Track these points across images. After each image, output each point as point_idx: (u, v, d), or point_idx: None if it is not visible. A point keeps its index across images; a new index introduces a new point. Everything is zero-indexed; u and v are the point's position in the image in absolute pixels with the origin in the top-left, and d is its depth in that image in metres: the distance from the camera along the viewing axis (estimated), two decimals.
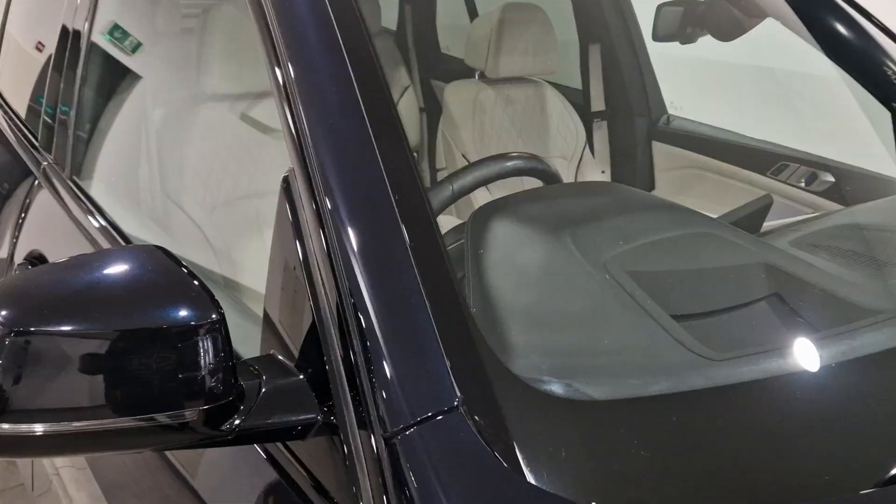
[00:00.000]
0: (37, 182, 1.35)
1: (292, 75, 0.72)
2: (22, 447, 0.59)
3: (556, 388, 0.63)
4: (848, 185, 1.72)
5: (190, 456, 0.79)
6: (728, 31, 1.40)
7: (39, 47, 1.74)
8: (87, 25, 1.34)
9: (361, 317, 0.61)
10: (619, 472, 0.57)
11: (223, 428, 0.61)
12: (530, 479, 0.55)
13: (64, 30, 1.42)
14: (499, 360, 0.63)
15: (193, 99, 1.40)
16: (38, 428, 0.57)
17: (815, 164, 1.77)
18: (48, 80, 1.45)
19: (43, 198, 1.34)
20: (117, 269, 0.61)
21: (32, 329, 0.56)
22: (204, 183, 1.39)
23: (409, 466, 0.56)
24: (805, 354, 0.72)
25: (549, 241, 0.82)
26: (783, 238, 1.05)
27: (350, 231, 0.65)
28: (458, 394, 0.58)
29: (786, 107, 1.92)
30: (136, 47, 1.46)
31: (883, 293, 0.87)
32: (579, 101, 2.16)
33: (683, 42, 1.52)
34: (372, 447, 0.58)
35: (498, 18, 1.89)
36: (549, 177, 1.08)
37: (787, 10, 1.44)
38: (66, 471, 1.14)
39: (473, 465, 0.56)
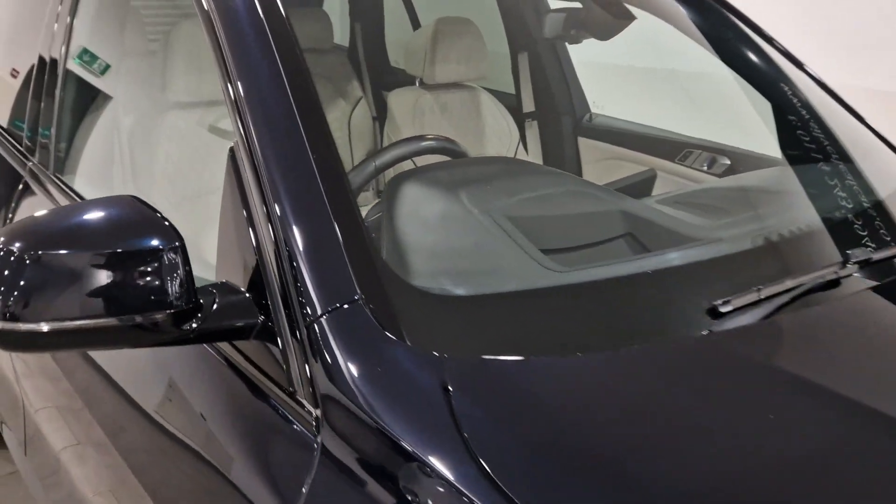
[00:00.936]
0: (24, 181, 1.55)
1: (239, 84, 0.94)
2: (34, 342, 0.79)
3: (430, 286, 0.85)
4: (741, 167, 1.97)
5: (168, 367, 1.00)
6: (604, 32, 1.66)
7: (14, 73, 1.95)
8: (63, 51, 1.55)
9: (289, 246, 0.83)
10: (469, 334, 0.80)
11: (185, 328, 0.82)
12: (407, 342, 0.77)
13: (41, 58, 1.62)
14: (391, 270, 0.85)
15: (159, 108, 1.61)
16: (45, 326, 0.78)
17: (714, 150, 2.01)
18: (29, 100, 1.65)
19: (30, 195, 1.54)
20: (105, 209, 0.82)
21: (41, 253, 0.77)
22: (170, 179, 1.60)
23: (322, 342, 0.78)
24: (632, 264, 0.96)
25: (446, 194, 1.05)
26: (653, 199, 1.29)
27: (280, 188, 0.87)
28: (358, 291, 0.80)
29: (687, 101, 2.19)
30: (105, 69, 1.67)
31: (711, 229, 1.10)
32: (512, 103, 2.39)
33: (570, 42, 1.76)
34: (297, 334, 0.80)
35: (432, 31, 2.12)
36: (457, 154, 1.31)
37: (686, 21, 1.70)
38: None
39: (367, 336, 0.78)
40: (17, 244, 0.78)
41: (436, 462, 0.68)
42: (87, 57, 1.66)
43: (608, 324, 0.88)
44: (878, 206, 1.20)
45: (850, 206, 1.18)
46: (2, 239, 0.78)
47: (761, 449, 0.73)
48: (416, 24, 2.88)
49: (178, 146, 1.60)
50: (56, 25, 1.59)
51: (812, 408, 0.81)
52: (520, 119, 2.37)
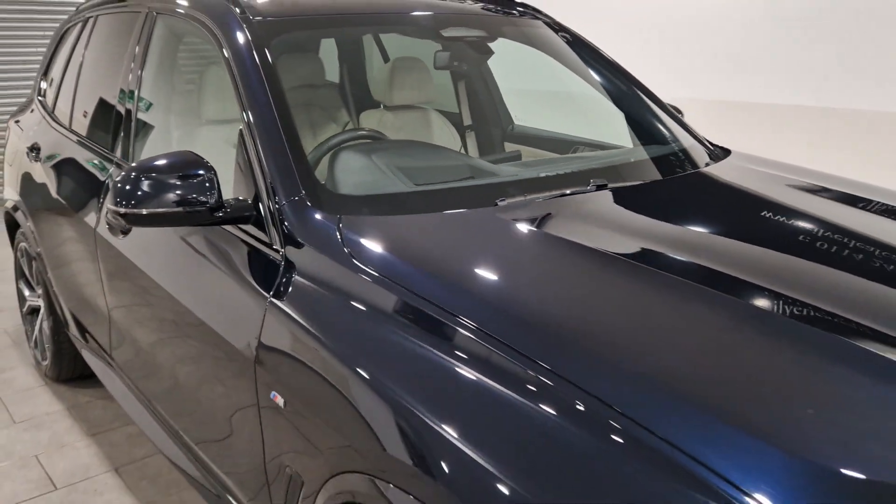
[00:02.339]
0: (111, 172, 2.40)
1: (248, 107, 1.77)
2: (141, 220, 1.60)
3: (339, 190, 1.67)
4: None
5: (204, 245, 1.81)
6: (473, 62, 2.50)
7: (70, 120, 2.83)
8: (137, 91, 2.41)
9: (269, 178, 1.65)
10: (354, 208, 1.61)
11: (216, 215, 1.63)
12: (325, 211, 1.58)
13: (122, 90, 2.49)
14: (320, 183, 1.67)
15: (196, 124, 2.45)
16: (144, 211, 1.59)
17: (594, 145, 2.80)
18: (112, 123, 2.52)
19: None
20: (179, 157, 1.64)
21: (148, 174, 1.59)
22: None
23: (284, 215, 1.59)
24: (460, 185, 1.77)
25: (358, 152, 1.88)
26: (505, 164, 2.10)
27: (265, 152, 1.69)
28: (303, 192, 1.61)
29: (573, 113, 3.00)
30: (149, 108, 2.51)
31: (512, 171, 1.91)
32: (456, 119, 3.20)
33: (457, 69, 2.61)
34: (272, 214, 1.61)
35: (391, 67, 2.94)
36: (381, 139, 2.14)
37: (569, 57, 2.56)
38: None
39: (305, 210, 1.59)
40: (136, 171, 1.60)
41: (331, 259, 1.49)
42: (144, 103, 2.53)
43: (432, 200, 1.69)
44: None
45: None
46: (133, 166, 1.61)
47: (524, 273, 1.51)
48: (388, 62, 3.72)
49: (209, 147, 2.45)
50: (130, 75, 2.46)
51: (555, 259, 1.60)
52: (461, 131, 3.17)
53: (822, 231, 1.67)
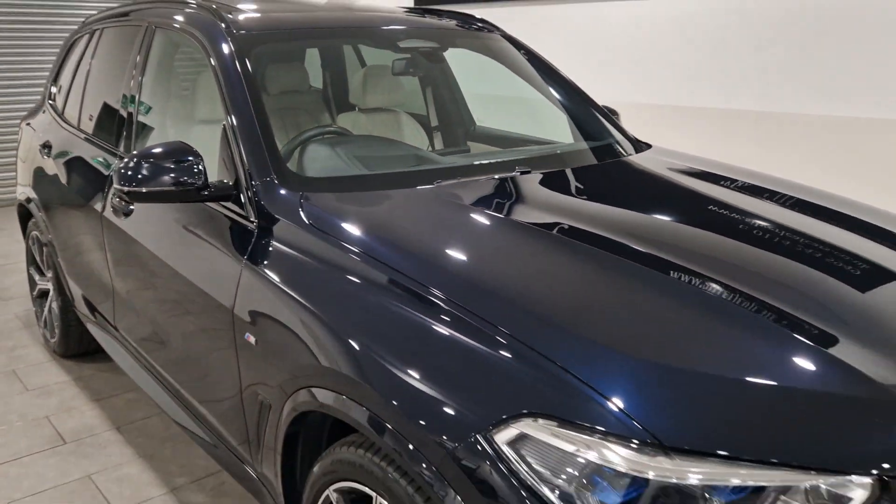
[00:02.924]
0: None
1: (236, 113, 2.13)
2: (141, 196, 1.97)
3: (303, 173, 2.04)
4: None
5: (190, 221, 2.18)
6: (426, 70, 2.88)
7: (79, 120, 3.20)
8: (138, 95, 2.78)
9: (246, 164, 2.02)
10: (314, 187, 1.98)
11: (203, 193, 2.00)
12: (289, 189, 1.95)
13: (124, 96, 2.86)
14: (287, 168, 2.04)
15: (190, 122, 2.81)
16: (144, 189, 1.96)
17: (541, 142, 3.17)
18: (116, 122, 2.89)
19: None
20: (172, 146, 2.01)
21: (147, 159, 1.96)
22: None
23: (257, 193, 1.96)
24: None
25: (325, 146, 2.25)
26: (454, 156, 2.47)
27: (243, 143, 2.06)
28: (273, 174, 1.98)
29: (527, 114, 3.36)
30: (149, 109, 2.88)
31: (455, 162, 2.28)
32: (424, 121, 3.57)
33: (413, 75, 2.99)
34: (248, 193, 1.98)
35: (363, 74, 3.31)
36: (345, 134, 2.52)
37: (522, 66, 2.93)
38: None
39: (274, 189, 1.96)
40: (138, 157, 1.97)
41: (294, 226, 1.85)
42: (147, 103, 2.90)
43: (379, 181, 2.06)
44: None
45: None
46: (135, 153, 1.98)
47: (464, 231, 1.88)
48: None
49: (200, 143, 2.81)
50: (133, 81, 2.83)
51: (478, 221, 1.96)
52: (429, 131, 3.54)
53: (693, 203, 2.06)
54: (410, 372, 1.41)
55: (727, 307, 1.50)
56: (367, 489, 1.52)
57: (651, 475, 1.17)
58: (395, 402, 1.40)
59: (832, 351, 1.37)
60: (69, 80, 3.49)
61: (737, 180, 2.32)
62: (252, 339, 1.84)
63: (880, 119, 4.07)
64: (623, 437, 1.19)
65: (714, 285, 1.56)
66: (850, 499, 1.18)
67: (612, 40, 5.32)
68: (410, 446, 1.36)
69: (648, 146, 2.77)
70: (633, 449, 1.18)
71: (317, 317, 1.63)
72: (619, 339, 1.39)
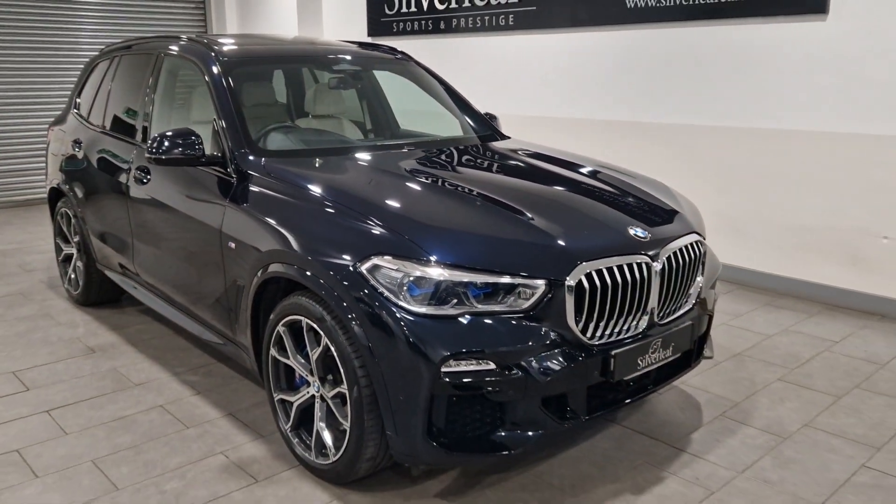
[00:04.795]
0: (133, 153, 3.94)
1: (221, 111, 3.33)
2: (161, 161, 3.15)
3: (268, 149, 3.24)
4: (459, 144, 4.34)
5: (190, 183, 3.36)
6: (354, 85, 4.10)
7: (103, 123, 4.37)
8: (150, 107, 3.95)
9: (229, 142, 3.21)
10: (275, 157, 3.19)
11: (202, 159, 3.18)
12: (254, 155, 3.14)
13: (142, 110, 4.03)
14: (257, 146, 3.23)
15: (188, 123, 3.98)
16: (164, 157, 3.14)
17: (446, 140, 4.38)
18: (138, 122, 4.06)
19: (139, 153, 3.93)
20: (181, 130, 3.18)
21: (167, 136, 3.13)
22: None
23: (236, 162, 3.15)
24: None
25: (280, 133, 3.45)
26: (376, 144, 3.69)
27: (225, 131, 3.26)
28: (247, 149, 3.17)
29: (434, 122, 4.58)
30: (159, 113, 4.05)
31: (367, 143, 3.48)
32: (361, 125, 4.76)
33: (344, 89, 4.21)
34: (232, 163, 3.17)
35: (313, 90, 4.50)
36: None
37: (430, 85, 4.15)
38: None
39: (246, 156, 3.14)
40: (160, 136, 3.14)
41: (258, 175, 3.03)
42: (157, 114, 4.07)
43: (311, 152, 3.26)
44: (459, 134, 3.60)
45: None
46: (156, 135, 3.15)
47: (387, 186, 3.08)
48: None
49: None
50: (146, 94, 4.00)
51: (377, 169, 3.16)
52: (364, 132, 4.74)
53: (510, 163, 3.29)
54: (318, 241, 2.59)
55: (482, 204, 2.71)
56: (300, 317, 2.68)
57: (436, 277, 2.35)
58: (310, 258, 2.58)
59: (532, 221, 2.59)
60: (93, 94, 4.65)
61: (545, 154, 3.55)
62: (233, 245, 3.01)
63: (711, 126, 5.39)
64: (422, 261, 2.38)
65: (486, 196, 2.77)
66: (536, 289, 2.38)
67: (511, 65, 6.65)
68: (321, 280, 2.53)
69: (508, 137, 4.00)
70: (427, 266, 2.37)
71: (270, 224, 2.80)
72: (425, 218, 2.59)
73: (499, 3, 6.47)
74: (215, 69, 3.49)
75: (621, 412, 3.27)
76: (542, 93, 6.33)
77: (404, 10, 7.43)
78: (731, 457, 2.90)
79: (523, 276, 2.39)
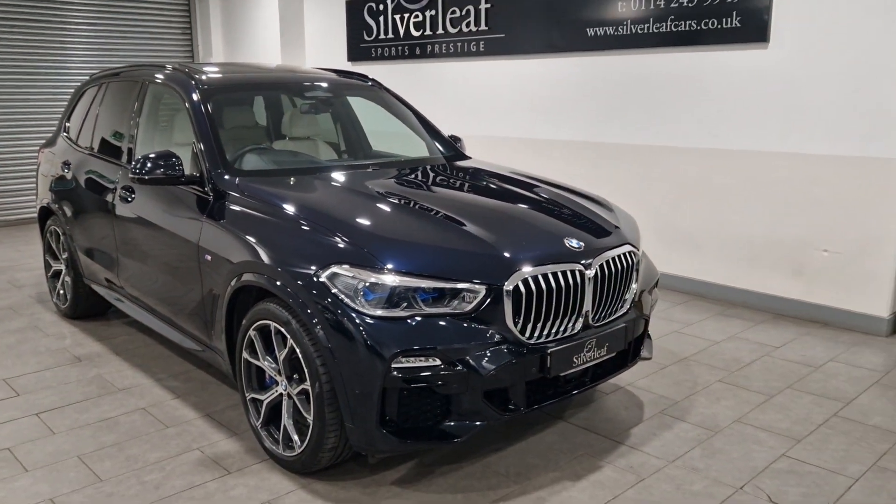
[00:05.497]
0: (119, 173, 4.22)
1: (200, 134, 3.62)
2: (144, 181, 3.43)
3: (243, 169, 3.53)
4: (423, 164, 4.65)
5: (171, 203, 3.65)
6: (325, 110, 4.41)
7: (91, 145, 4.66)
8: (135, 130, 4.24)
9: (207, 164, 3.50)
10: (249, 177, 3.48)
11: (181, 179, 3.46)
12: (228, 175, 3.43)
13: (127, 132, 4.32)
14: (232, 165, 3.52)
15: (170, 145, 4.26)
16: (147, 177, 3.42)
17: (407, 157, 4.68)
18: (124, 145, 4.34)
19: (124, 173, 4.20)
20: (163, 153, 3.47)
21: (149, 158, 3.42)
22: None
23: (212, 182, 3.43)
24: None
25: (254, 154, 3.74)
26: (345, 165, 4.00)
27: (203, 153, 3.54)
28: (223, 168, 3.46)
29: (400, 142, 4.88)
30: (144, 136, 4.34)
31: (338, 163, 3.77)
32: (335, 146, 5.06)
33: (316, 114, 4.51)
34: (209, 183, 3.45)
35: (290, 114, 4.80)
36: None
37: (399, 110, 4.47)
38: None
39: (222, 176, 3.43)
40: (143, 157, 3.42)
41: (233, 194, 3.32)
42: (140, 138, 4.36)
43: (282, 172, 3.55)
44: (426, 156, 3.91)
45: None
46: (140, 156, 3.43)
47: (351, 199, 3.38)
48: None
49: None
50: (132, 119, 4.29)
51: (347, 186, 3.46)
52: (339, 153, 5.03)
53: (465, 179, 3.59)
54: (285, 253, 2.87)
55: (432, 217, 3.01)
56: (269, 322, 2.95)
57: (389, 283, 2.64)
58: (278, 269, 2.85)
59: (477, 233, 2.88)
60: (82, 118, 4.93)
61: (499, 173, 3.86)
62: (209, 258, 3.28)
63: (665, 146, 5.73)
64: (377, 269, 2.66)
65: (438, 210, 3.06)
66: (477, 294, 2.67)
67: (482, 89, 6.99)
68: (288, 288, 2.81)
69: (469, 157, 4.31)
70: (381, 273, 2.65)
71: (242, 238, 3.08)
72: (381, 231, 2.89)
73: (470, 30, 6.82)
74: (195, 96, 3.79)
75: (568, 409, 3.55)
76: (509, 115, 6.67)
77: (382, 36, 7.78)
78: (665, 448, 3.18)
79: (467, 282, 2.68)
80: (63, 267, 5.01)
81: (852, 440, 3.26)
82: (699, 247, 5.53)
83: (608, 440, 3.26)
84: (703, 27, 5.16)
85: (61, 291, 5.08)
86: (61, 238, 4.95)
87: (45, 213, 5.21)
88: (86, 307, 4.94)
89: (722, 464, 3.05)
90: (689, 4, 5.21)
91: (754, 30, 4.93)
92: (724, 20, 5.05)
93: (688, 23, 5.24)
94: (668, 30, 5.36)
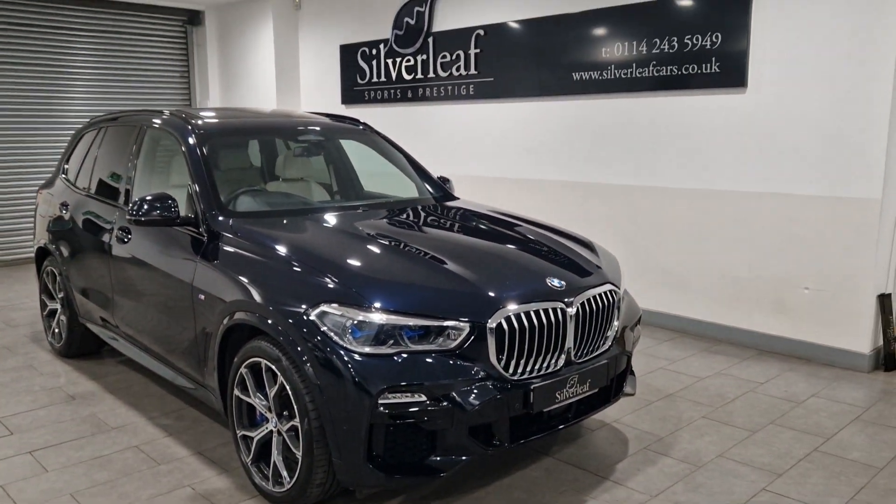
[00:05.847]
0: (117, 214, 4.32)
1: (195, 177, 3.75)
2: (141, 223, 3.53)
3: (237, 210, 3.64)
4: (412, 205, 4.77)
5: (166, 245, 3.75)
6: (316, 153, 4.55)
7: (89, 187, 4.78)
8: (133, 172, 4.36)
9: (203, 206, 3.61)
10: (242, 217, 3.59)
11: (176, 220, 3.57)
12: (224, 216, 3.54)
13: (125, 174, 4.45)
14: (226, 207, 3.63)
15: (167, 187, 4.38)
16: (144, 218, 3.53)
17: (398, 198, 4.80)
18: (122, 187, 4.46)
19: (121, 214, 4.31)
20: (159, 196, 3.58)
21: (147, 200, 3.53)
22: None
23: (206, 222, 3.54)
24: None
25: (248, 196, 3.85)
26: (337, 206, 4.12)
27: (198, 195, 3.66)
28: (217, 211, 3.57)
29: (391, 182, 5.01)
30: (141, 179, 4.46)
31: (330, 204, 3.89)
32: (328, 187, 5.19)
33: (308, 157, 4.65)
34: (204, 224, 3.56)
35: (284, 156, 4.93)
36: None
37: (386, 150, 4.61)
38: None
39: (217, 218, 3.54)
40: (140, 199, 3.54)
41: (226, 235, 3.42)
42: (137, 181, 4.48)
43: (275, 213, 3.66)
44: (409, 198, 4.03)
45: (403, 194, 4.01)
46: (140, 197, 3.54)
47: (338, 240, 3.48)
48: None
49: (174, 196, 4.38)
50: (129, 161, 4.42)
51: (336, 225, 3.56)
52: (331, 194, 5.15)
53: (454, 220, 3.70)
54: (277, 293, 2.96)
55: (418, 257, 3.11)
56: (260, 359, 3.03)
57: (377, 321, 2.73)
58: (270, 307, 2.94)
59: (462, 272, 2.98)
60: (80, 160, 5.06)
61: (485, 213, 3.98)
62: (202, 297, 3.37)
63: (650, 186, 5.87)
64: (364, 307, 2.75)
65: (422, 249, 3.18)
66: (462, 331, 2.76)
67: (472, 131, 7.17)
68: (279, 326, 2.89)
69: (458, 198, 4.44)
70: (369, 312, 2.74)
71: (236, 278, 3.18)
72: (369, 271, 2.99)
73: (460, 74, 7.02)
74: (191, 140, 3.91)
75: (554, 445, 3.61)
76: (498, 156, 6.83)
77: (375, 79, 7.98)
78: (648, 483, 3.24)
79: (451, 320, 2.77)
80: (59, 306, 5.09)
81: (831, 474, 3.33)
82: (685, 284, 5.63)
83: (593, 476, 3.32)
84: (685, 72, 5.35)
85: (56, 330, 5.14)
86: (57, 278, 5.04)
87: (41, 254, 5.30)
88: (80, 346, 5.00)
89: (704, 498, 3.11)
90: (671, 51, 5.40)
91: (733, 75, 5.11)
92: (703, 66, 5.23)
93: (669, 68, 5.43)
94: (651, 75, 5.55)
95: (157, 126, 4.32)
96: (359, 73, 8.17)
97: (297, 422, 2.84)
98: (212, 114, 4.50)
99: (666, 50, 5.43)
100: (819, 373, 4.74)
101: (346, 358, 2.69)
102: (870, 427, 3.87)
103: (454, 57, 7.05)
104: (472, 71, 6.91)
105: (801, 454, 3.54)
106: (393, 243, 3.31)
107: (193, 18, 9.77)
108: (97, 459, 3.51)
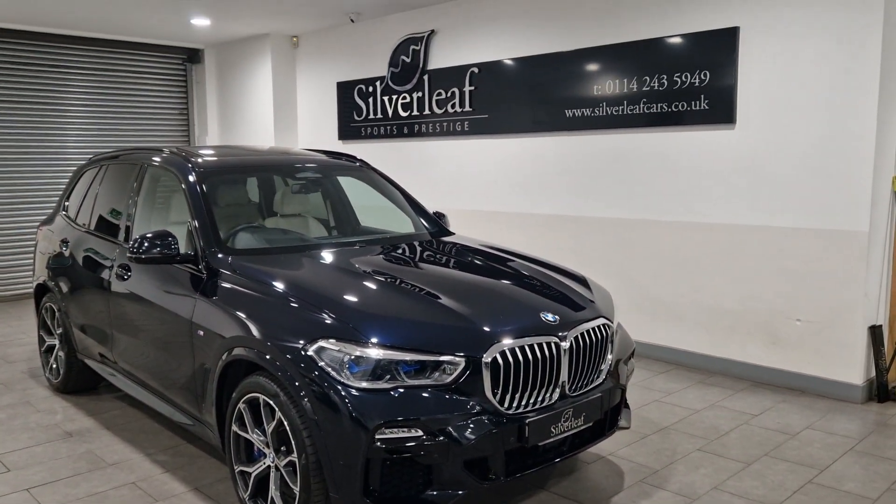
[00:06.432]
0: (117, 251, 4.38)
1: (195, 214, 3.81)
2: (141, 260, 3.59)
3: (236, 248, 3.70)
4: (408, 240, 4.84)
5: (165, 281, 3.80)
6: (314, 190, 4.62)
7: (90, 224, 4.84)
8: (133, 209, 4.43)
9: (202, 245, 3.67)
10: (240, 255, 3.64)
11: (176, 257, 3.63)
12: (223, 254, 3.59)
13: (126, 212, 4.51)
14: (226, 244, 3.69)
15: (167, 224, 4.45)
16: (144, 256, 3.58)
17: (394, 233, 4.87)
18: (122, 224, 4.52)
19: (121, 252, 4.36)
20: (159, 233, 3.64)
21: (148, 239, 3.59)
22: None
23: (205, 260, 3.60)
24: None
25: (247, 233, 3.92)
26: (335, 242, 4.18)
27: (198, 232, 3.72)
28: (216, 248, 3.63)
29: (387, 217, 5.09)
30: (142, 216, 4.53)
31: (328, 240, 3.95)
32: (325, 222, 5.26)
33: (306, 194, 4.72)
34: (203, 262, 3.62)
35: (281, 192, 5.01)
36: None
37: (380, 185, 4.69)
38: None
39: (216, 255, 3.60)
40: (141, 237, 3.59)
41: (225, 272, 3.47)
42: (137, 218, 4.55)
43: (273, 250, 3.71)
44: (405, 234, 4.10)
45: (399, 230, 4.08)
46: (140, 235, 3.60)
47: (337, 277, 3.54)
48: None
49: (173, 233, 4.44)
50: (130, 199, 4.49)
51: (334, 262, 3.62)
52: (328, 229, 5.22)
53: (450, 255, 3.76)
54: (275, 329, 3.01)
55: (414, 293, 3.17)
56: (258, 395, 3.06)
57: (374, 356, 2.77)
58: (268, 343, 2.99)
59: (457, 307, 3.03)
60: (81, 197, 5.13)
61: (480, 249, 4.05)
62: (201, 333, 3.41)
63: (642, 219, 5.95)
64: (361, 343, 2.80)
65: (418, 285, 3.23)
66: (457, 366, 2.80)
67: (466, 166, 7.27)
68: (277, 362, 2.93)
69: (453, 233, 4.51)
70: (366, 347, 2.79)
71: (234, 314, 3.23)
72: (365, 307, 3.05)
73: (455, 111, 7.15)
74: (191, 178, 3.99)
75: (550, 479, 3.63)
76: (493, 190, 6.92)
77: (371, 116, 8.11)
78: None
79: (447, 354, 2.82)
80: (57, 342, 5.11)
81: None
82: (679, 317, 5.69)
83: None
84: (675, 109, 5.47)
85: (54, 366, 5.16)
86: (56, 314, 5.07)
87: (41, 290, 5.34)
88: (78, 382, 5.02)
89: None
90: (661, 88, 5.53)
91: (721, 112, 5.23)
92: (692, 103, 5.35)
93: (660, 105, 5.55)
94: (642, 111, 5.67)
95: (157, 164, 4.40)
96: (355, 109, 8.30)
97: (294, 457, 2.86)
98: (211, 151, 4.59)
99: (656, 87, 5.55)
100: (813, 404, 4.77)
101: (343, 393, 2.73)
102: (864, 458, 3.90)
103: (449, 94, 7.18)
104: (467, 108, 7.03)
105: (796, 486, 3.56)
106: (389, 279, 3.36)
107: (193, 56, 9.93)
108: (93, 496, 3.52)
